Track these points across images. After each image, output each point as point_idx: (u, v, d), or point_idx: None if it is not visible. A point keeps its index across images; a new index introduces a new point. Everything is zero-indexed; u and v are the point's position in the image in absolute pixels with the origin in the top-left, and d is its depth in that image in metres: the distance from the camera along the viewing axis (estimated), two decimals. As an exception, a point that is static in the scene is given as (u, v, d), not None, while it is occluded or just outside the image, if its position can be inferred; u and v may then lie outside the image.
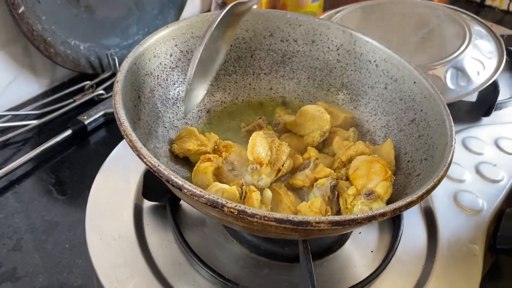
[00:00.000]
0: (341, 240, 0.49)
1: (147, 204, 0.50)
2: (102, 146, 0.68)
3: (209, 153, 0.46)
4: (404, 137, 0.49)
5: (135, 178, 0.53)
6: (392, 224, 0.51)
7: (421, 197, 0.36)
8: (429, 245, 0.50)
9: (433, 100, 0.47)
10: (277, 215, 0.32)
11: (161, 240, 0.47)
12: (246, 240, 0.47)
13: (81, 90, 0.75)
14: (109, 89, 0.75)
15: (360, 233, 0.50)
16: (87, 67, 0.76)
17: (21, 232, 0.55)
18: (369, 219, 0.33)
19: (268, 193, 0.44)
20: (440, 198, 0.55)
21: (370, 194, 0.42)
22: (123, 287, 0.42)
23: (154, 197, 0.49)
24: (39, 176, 0.63)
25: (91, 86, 0.76)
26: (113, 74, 0.78)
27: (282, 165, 0.44)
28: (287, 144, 0.46)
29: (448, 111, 0.45)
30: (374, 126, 0.52)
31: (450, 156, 0.40)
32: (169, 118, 0.48)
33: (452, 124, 0.44)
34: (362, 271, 0.47)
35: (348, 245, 0.49)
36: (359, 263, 0.48)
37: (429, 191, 0.37)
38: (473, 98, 0.70)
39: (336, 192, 0.42)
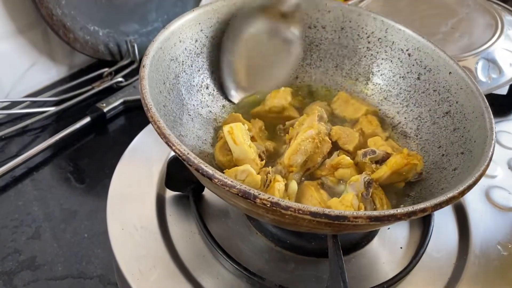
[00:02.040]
0: (370, 235, 0.47)
1: (169, 194, 0.49)
2: (121, 135, 0.67)
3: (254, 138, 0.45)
4: (438, 130, 0.47)
5: (157, 167, 0.51)
6: (422, 220, 0.49)
7: (462, 193, 0.34)
8: (461, 242, 0.48)
9: (470, 91, 0.45)
10: (313, 209, 0.30)
11: (184, 231, 0.46)
12: (271, 233, 0.46)
13: (100, 77, 0.74)
14: (128, 76, 0.74)
15: (389, 228, 0.49)
16: (106, 54, 0.75)
17: (39, 220, 0.54)
18: (409, 215, 0.32)
19: (294, 185, 0.43)
20: (471, 194, 0.52)
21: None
22: (145, 278, 0.41)
23: (177, 187, 0.48)
24: (57, 164, 0.62)
25: (110, 73, 0.74)
26: (132, 62, 0.77)
27: (313, 166, 0.43)
28: (330, 142, 0.45)
29: (487, 103, 0.43)
30: (405, 118, 0.50)
31: (491, 150, 0.38)
32: (194, 105, 0.47)
33: (492, 116, 0.42)
34: (390, 268, 0.45)
35: (376, 240, 0.47)
36: (387, 259, 0.46)
37: (470, 187, 0.35)
38: (503, 91, 0.68)
39: (371, 190, 0.40)
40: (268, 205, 0.31)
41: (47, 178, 0.60)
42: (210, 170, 0.32)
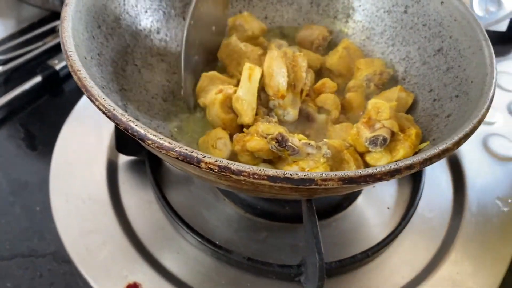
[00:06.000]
0: (352, 196, 0.42)
1: (122, 159, 0.43)
2: (77, 95, 0.60)
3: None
4: (428, 71, 0.40)
5: (108, 130, 0.45)
6: (411, 176, 0.44)
7: (457, 144, 0.29)
8: (456, 199, 0.43)
9: (466, 23, 0.38)
10: (270, 172, 0.24)
11: (139, 201, 0.40)
12: (239, 198, 0.40)
13: (52, 31, 0.66)
14: (83, 29, 0.66)
15: (374, 186, 0.43)
16: (57, 5, 0.66)
17: (-15, 194, 0.48)
18: (391, 174, 0.26)
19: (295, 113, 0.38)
20: (466, 143, 0.47)
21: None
22: (93, 257, 0.36)
23: (131, 151, 0.42)
24: (5, 129, 0.56)
25: (64, 27, 0.66)
26: (89, 12, 0.68)
27: (304, 84, 0.38)
28: (302, 54, 0.39)
29: (486, 36, 0.36)
30: (391, 59, 0.43)
31: (492, 90, 0.32)
32: (141, 54, 0.40)
33: (492, 51, 0.35)
34: (377, 231, 0.40)
35: (360, 201, 0.42)
36: (373, 222, 0.41)
37: (467, 135, 0.29)
38: (502, 27, 0.61)
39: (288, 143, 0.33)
40: (216, 170, 0.25)
41: (-5, 145, 0.54)
42: (141, 129, 0.25)
